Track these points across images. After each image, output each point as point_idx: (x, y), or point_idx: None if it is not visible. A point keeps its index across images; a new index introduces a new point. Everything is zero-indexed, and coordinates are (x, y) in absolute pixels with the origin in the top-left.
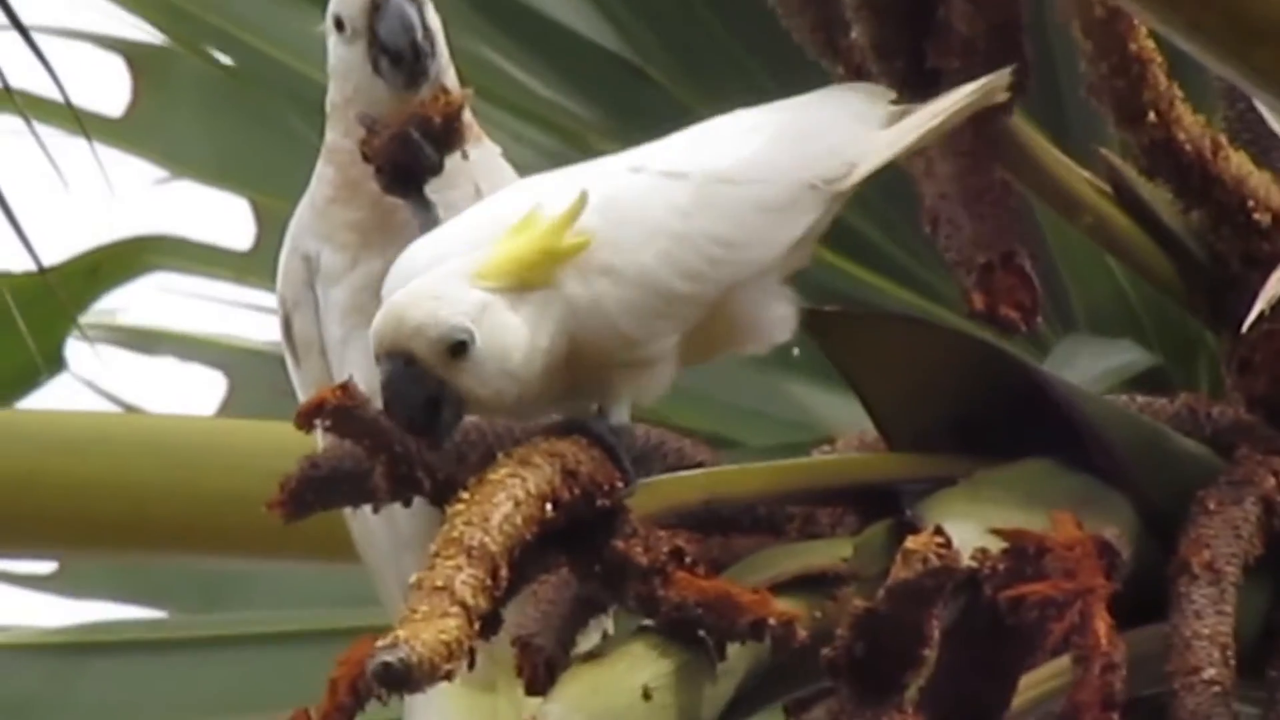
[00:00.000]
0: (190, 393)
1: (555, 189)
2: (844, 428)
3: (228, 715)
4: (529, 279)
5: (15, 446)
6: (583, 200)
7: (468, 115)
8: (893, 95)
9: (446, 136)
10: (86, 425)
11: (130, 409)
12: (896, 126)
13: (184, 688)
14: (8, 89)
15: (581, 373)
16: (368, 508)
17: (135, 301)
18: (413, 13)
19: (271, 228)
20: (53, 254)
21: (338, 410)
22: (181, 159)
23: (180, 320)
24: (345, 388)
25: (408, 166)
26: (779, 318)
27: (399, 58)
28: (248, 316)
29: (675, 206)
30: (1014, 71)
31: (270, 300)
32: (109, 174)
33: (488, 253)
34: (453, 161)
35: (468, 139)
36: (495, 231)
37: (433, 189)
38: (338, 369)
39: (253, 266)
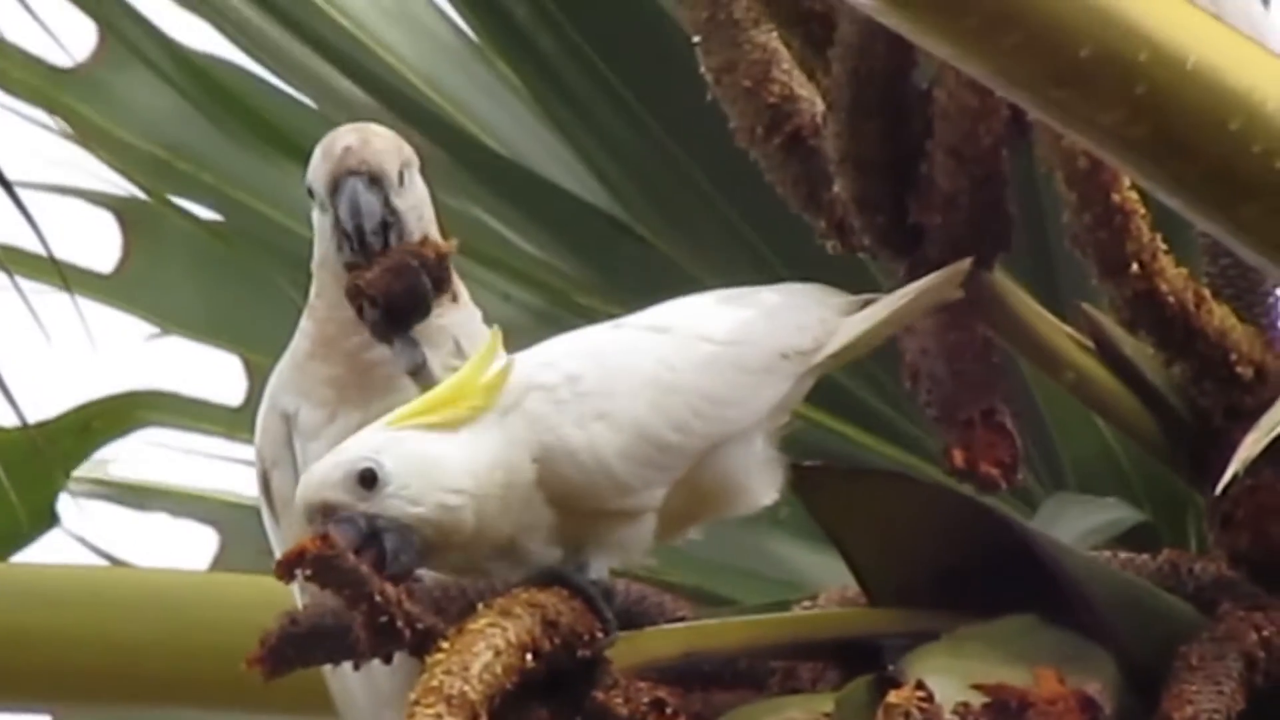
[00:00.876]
0: (182, 549)
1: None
2: (829, 585)
3: None
4: (452, 415)
5: (4, 601)
6: (496, 335)
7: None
8: (847, 297)
9: (439, 274)
10: (75, 579)
11: (121, 565)
12: (860, 314)
13: None
14: None
15: (569, 521)
16: (348, 664)
17: (127, 456)
18: (367, 199)
19: (262, 384)
20: (44, 409)
21: (318, 560)
22: (172, 315)
23: (172, 475)
24: (325, 538)
25: (401, 299)
26: (765, 480)
27: (351, 239)
28: (239, 471)
29: (661, 359)
30: (997, 227)
31: None
32: (100, 330)
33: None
34: (435, 320)
35: (454, 293)
36: None
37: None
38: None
39: (244, 422)
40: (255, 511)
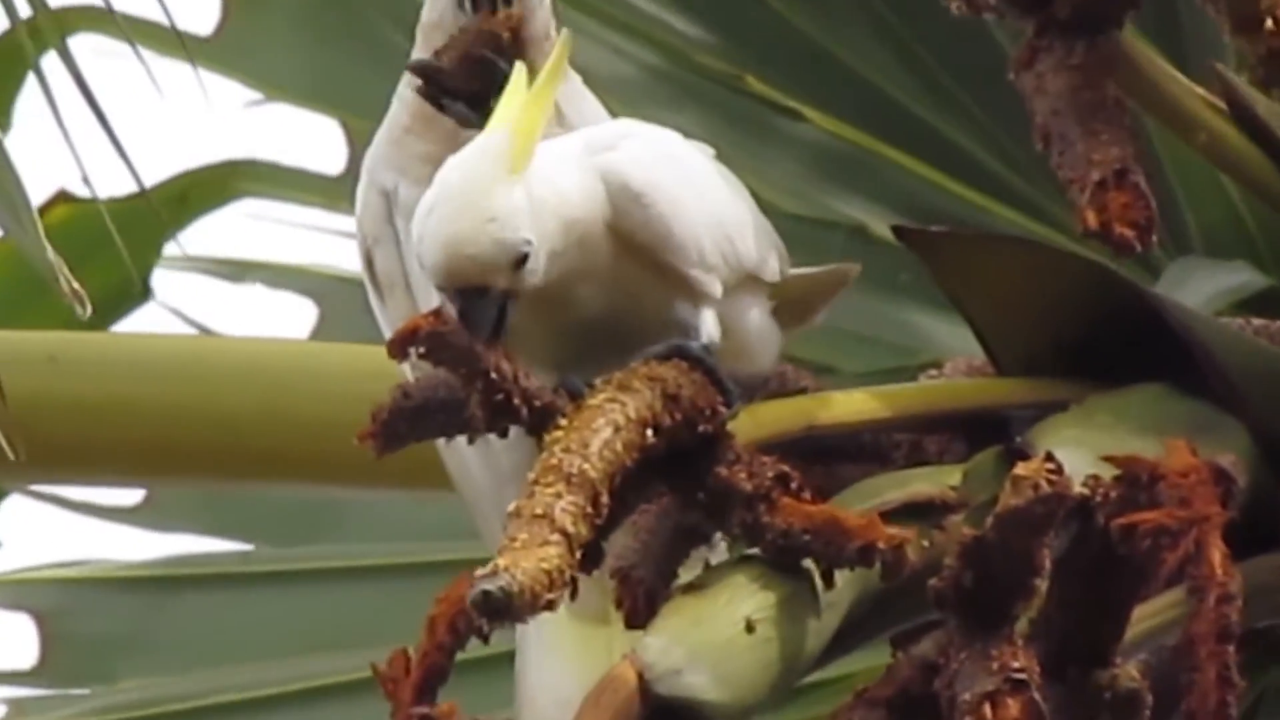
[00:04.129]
0: (280, 322)
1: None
2: (952, 353)
3: (320, 652)
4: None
5: (101, 370)
6: (566, 42)
7: (550, 32)
8: None
9: (516, 51)
10: (173, 349)
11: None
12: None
13: (274, 623)
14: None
15: (638, 283)
16: (463, 439)
17: (224, 228)
18: None
19: (363, 151)
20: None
21: (431, 337)
22: (273, 80)
23: (270, 248)
24: (438, 314)
25: (482, 91)
26: (770, 345)
27: None
28: (339, 243)
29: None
30: None
31: None
32: (197, 96)
33: (507, 137)
34: None
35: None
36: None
37: None
38: (425, 304)
39: (344, 191)
40: (356, 284)
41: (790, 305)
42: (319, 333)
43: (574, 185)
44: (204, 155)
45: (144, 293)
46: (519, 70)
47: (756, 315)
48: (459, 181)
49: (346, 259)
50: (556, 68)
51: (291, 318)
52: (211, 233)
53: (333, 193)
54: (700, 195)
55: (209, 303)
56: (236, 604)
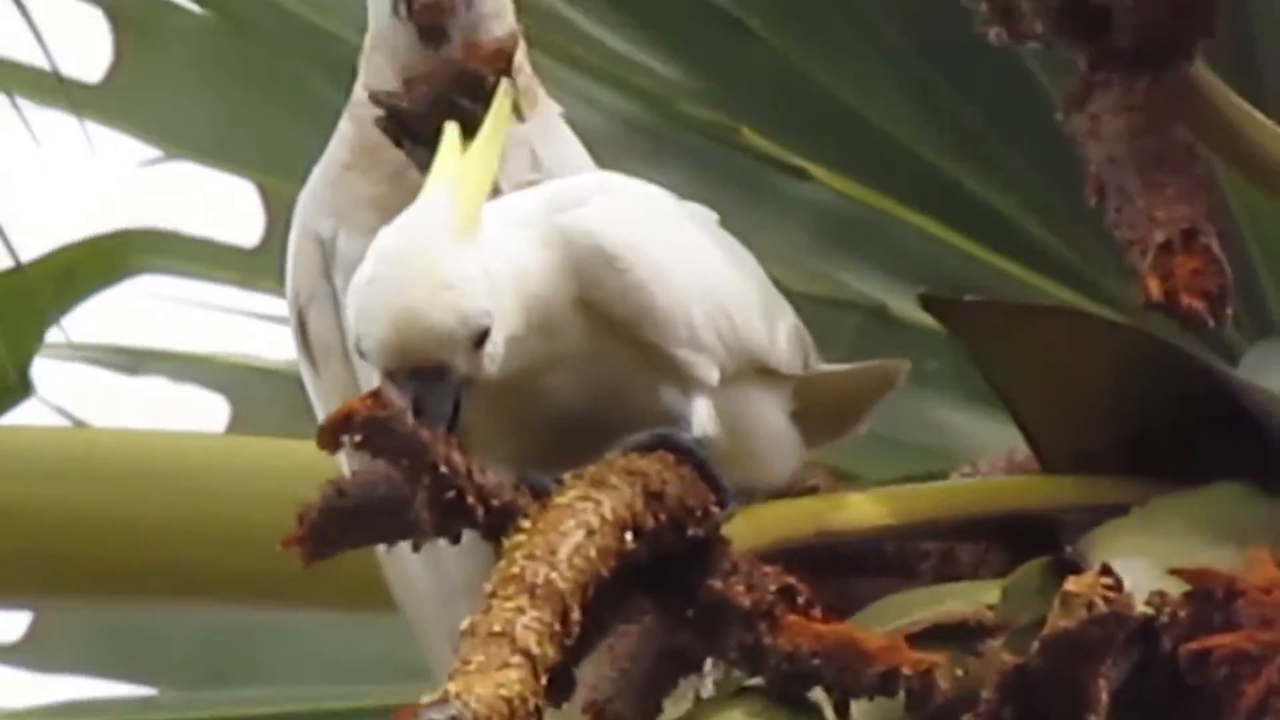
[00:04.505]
0: (185, 422)
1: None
2: (988, 452)
3: None
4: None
5: None
6: (507, 96)
7: (523, 63)
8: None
9: (491, 90)
10: (61, 443)
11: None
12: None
13: None
14: None
15: (618, 370)
16: (407, 545)
17: (117, 310)
18: None
19: (284, 217)
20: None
21: (370, 423)
22: (174, 134)
23: (173, 333)
24: (377, 396)
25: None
26: (792, 446)
27: None
28: (255, 327)
29: (718, 235)
30: (1198, 8)
31: (284, 308)
32: (85, 153)
33: (452, 195)
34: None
35: (525, 96)
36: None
37: None
38: (365, 375)
39: (261, 266)
40: (276, 376)
41: (823, 409)
42: (233, 431)
43: (532, 255)
44: (93, 224)
45: (22, 387)
46: (449, 126)
47: (769, 414)
48: (403, 246)
49: (264, 346)
50: (500, 118)
51: (199, 416)
52: (102, 315)
53: (247, 267)
54: (690, 261)
55: (99, 399)
56: None
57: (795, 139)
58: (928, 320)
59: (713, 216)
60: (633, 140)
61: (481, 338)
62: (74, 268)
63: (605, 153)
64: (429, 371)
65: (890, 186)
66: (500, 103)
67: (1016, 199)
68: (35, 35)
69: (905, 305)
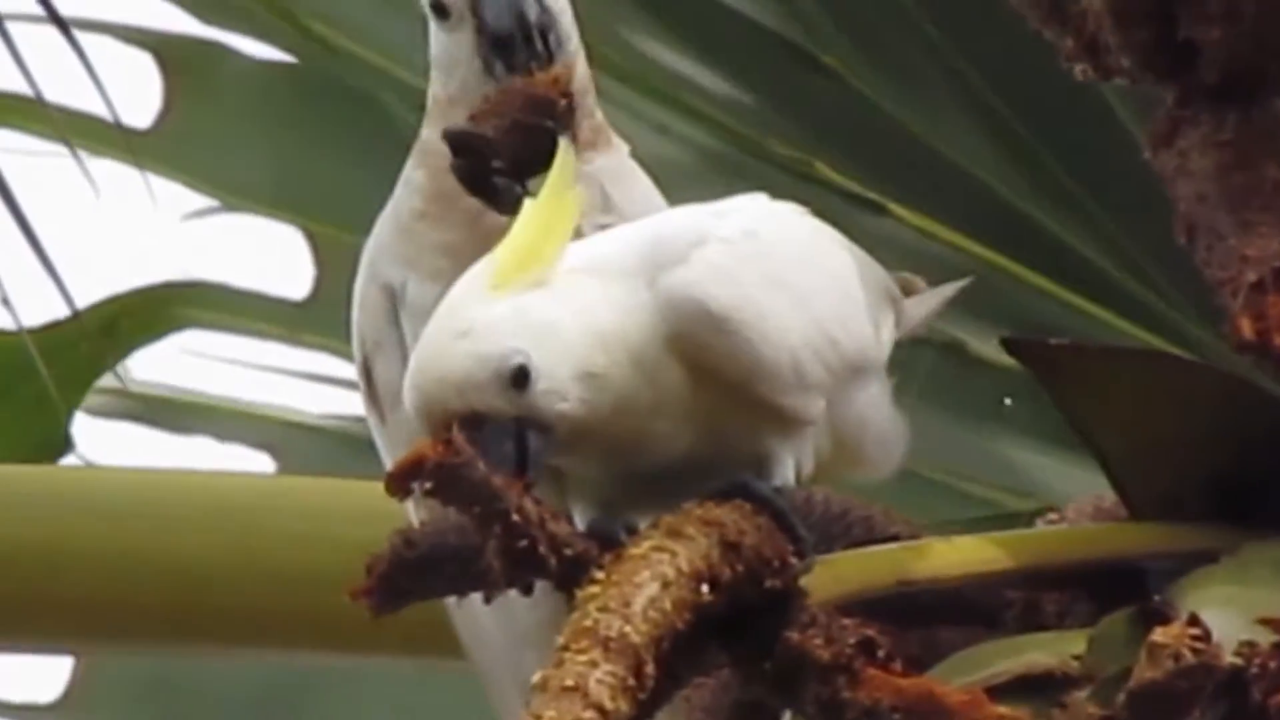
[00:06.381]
0: None
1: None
2: (1067, 497)
3: None
4: (549, 261)
5: (26, 510)
6: (568, 151)
7: (594, 108)
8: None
9: (569, 116)
10: (115, 484)
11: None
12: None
13: None
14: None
15: (720, 416)
16: (477, 596)
17: (161, 365)
18: None
19: (335, 269)
20: (57, 308)
21: (440, 470)
22: (222, 181)
23: (217, 389)
24: (449, 443)
25: (528, 165)
26: (898, 433)
27: (506, 44)
28: (300, 386)
29: (816, 244)
30: None
31: (330, 364)
32: (131, 202)
33: (495, 256)
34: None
35: (599, 135)
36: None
37: None
38: None
39: (309, 320)
40: (320, 433)
41: None
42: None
43: (632, 306)
44: (136, 276)
45: (62, 443)
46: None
47: (873, 408)
48: (440, 307)
49: (310, 401)
50: (565, 169)
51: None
52: (146, 370)
53: (295, 322)
54: (795, 293)
55: (142, 457)
56: None
57: (871, 174)
58: (1004, 359)
59: (799, 210)
60: (708, 172)
61: (519, 377)
62: (116, 321)
63: (681, 183)
64: (471, 419)
65: (968, 225)
66: (564, 153)
67: (1094, 238)
68: (95, 83)
69: (982, 344)
